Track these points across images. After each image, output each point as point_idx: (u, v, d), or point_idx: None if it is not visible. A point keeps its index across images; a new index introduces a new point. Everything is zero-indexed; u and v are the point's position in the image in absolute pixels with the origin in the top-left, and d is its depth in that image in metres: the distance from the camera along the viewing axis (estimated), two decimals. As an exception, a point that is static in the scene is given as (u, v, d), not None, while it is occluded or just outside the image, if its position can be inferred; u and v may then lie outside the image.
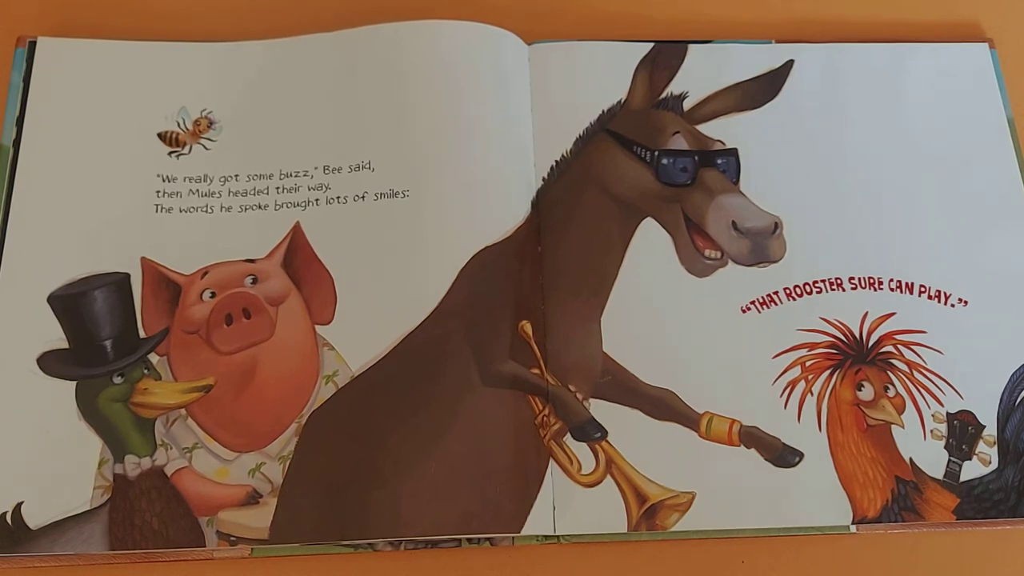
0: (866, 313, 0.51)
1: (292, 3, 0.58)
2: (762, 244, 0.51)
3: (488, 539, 0.45)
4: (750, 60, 0.56)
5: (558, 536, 0.45)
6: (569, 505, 0.46)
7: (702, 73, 0.56)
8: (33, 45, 0.53)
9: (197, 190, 0.51)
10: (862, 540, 0.47)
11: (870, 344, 0.50)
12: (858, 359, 0.50)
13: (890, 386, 0.49)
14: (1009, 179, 0.54)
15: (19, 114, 0.52)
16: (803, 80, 0.56)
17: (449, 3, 0.56)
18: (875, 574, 0.47)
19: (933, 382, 0.49)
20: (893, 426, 0.48)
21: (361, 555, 0.46)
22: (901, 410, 0.49)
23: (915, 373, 0.49)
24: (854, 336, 0.50)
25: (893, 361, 0.50)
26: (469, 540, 0.45)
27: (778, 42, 0.57)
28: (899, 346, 0.50)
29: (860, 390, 0.49)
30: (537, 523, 0.45)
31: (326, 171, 0.52)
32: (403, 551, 0.46)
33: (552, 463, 0.46)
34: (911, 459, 0.48)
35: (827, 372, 0.49)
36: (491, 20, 0.54)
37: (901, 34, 0.59)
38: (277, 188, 0.51)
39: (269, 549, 0.45)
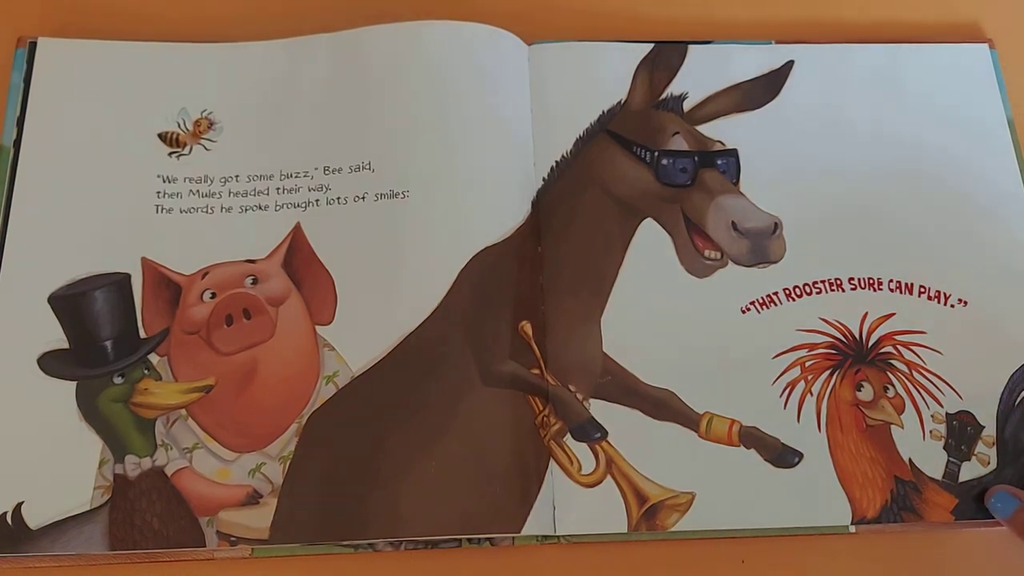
0: (866, 313, 0.51)
1: (292, 4, 0.58)
2: (762, 244, 0.52)
3: (488, 539, 0.45)
4: (750, 60, 0.56)
5: (558, 536, 0.46)
6: (569, 505, 0.46)
7: (702, 73, 0.55)
8: (33, 45, 0.53)
9: (197, 190, 0.51)
10: (862, 540, 0.47)
11: (870, 344, 0.50)
12: (858, 359, 0.50)
13: (889, 386, 0.49)
14: (1009, 179, 0.54)
15: (19, 114, 0.52)
16: (803, 80, 0.56)
17: (449, 3, 0.55)
18: (875, 574, 0.47)
19: (932, 382, 0.49)
20: (892, 426, 0.48)
21: (361, 555, 0.46)
22: (900, 410, 0.49)
23: (915, 373, 0.49)
24: (854, 336, 0.50)
25: (893, 361, 0.50)
26: (469, 540, 0.45)
27: (778, 42, 0.57)
28: (899, 346, 0.50)
29: (860, 390, 0.49)
30: (537, 523, 0.45)
31: (326, 171, 0.52)
32: (403, 551, 0.46)
33: (552, 463, 0.47)
34: (910, 459, 0.48)
35: (827, 372, 0.49)
36: (491, 20, 0.54)
37: (901, 34, 0.59)
38: (277, 189, 0.51)
39: (269, 549, 0.45)
